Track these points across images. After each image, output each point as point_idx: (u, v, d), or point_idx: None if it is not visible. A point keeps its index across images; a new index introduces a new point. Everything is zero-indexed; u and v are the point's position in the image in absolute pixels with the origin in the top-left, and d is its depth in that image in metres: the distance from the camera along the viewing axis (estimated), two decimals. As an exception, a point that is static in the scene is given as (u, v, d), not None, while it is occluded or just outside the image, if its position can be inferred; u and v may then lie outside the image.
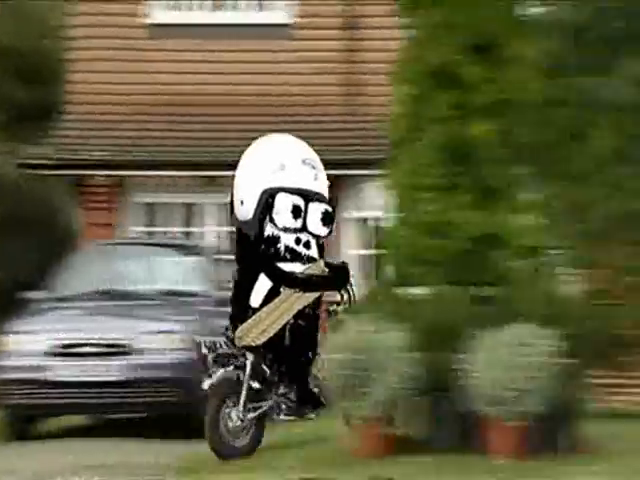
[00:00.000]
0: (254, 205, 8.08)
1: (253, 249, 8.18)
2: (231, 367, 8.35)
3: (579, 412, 7.88)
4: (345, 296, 8.63)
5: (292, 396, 8.42)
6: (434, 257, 7.67)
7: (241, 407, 8.19)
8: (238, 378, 8.26)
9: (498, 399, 7.14)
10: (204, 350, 8.55)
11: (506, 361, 7.14)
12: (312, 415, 8.58)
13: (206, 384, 8.30)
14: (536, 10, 12.79)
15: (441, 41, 7.79)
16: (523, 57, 7.98)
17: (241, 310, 8.30)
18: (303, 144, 8.47)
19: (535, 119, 11.86)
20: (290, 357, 8.32)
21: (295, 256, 8.18)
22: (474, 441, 7.29)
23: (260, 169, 8.19)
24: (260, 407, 8.29)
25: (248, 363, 8.27)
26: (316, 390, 8.46)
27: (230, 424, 8.18)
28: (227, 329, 8.38)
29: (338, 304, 8.74)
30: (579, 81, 11.67)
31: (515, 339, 7.20)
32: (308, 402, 8.46)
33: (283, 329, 8.20)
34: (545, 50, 12.00)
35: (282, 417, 8.51)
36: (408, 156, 7.91)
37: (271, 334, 8.15)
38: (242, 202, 8.15)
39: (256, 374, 8.27)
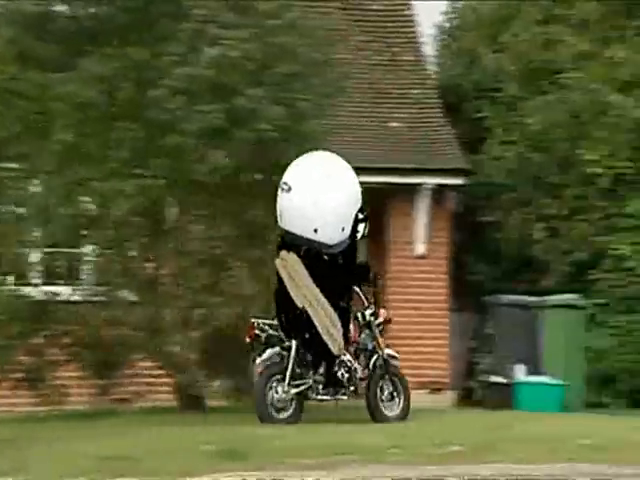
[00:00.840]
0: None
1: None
2: (277, 348, 9.88)
3: None
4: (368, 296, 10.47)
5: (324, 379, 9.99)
6: None
7: (286, 383, 9.80)
8: (283, 358, 9.83)
9: None
10: (256, 330, 9.97)
11: None
12: (344, 397, 10.19)
13: (258, 360, 9.87)
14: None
15: None
16: None
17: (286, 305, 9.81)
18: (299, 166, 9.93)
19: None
20: (317, 345, 9.79)
21: None
22: None
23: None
24: (301, 385, 9.90)
25: (293, 347, 9.85)
26: (344, 375, 10.07)
27: (275, 396, 9.77)
28: (274, 318, 9.92)
29: (365, 308, 10.48)
30: (41, 76, 11.25)
31: None
32: (332, 385, 10.04)
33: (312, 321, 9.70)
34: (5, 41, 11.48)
35: (318, 397, 10.10)
36: None
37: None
38: (343, 228, 9.73)
39: (299, 357, 9.85)
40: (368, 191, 15.92)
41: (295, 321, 9.78)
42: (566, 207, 16.60)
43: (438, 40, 20.36)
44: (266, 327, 10.04)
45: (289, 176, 9.71)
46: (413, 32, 17.52)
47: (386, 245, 15.61)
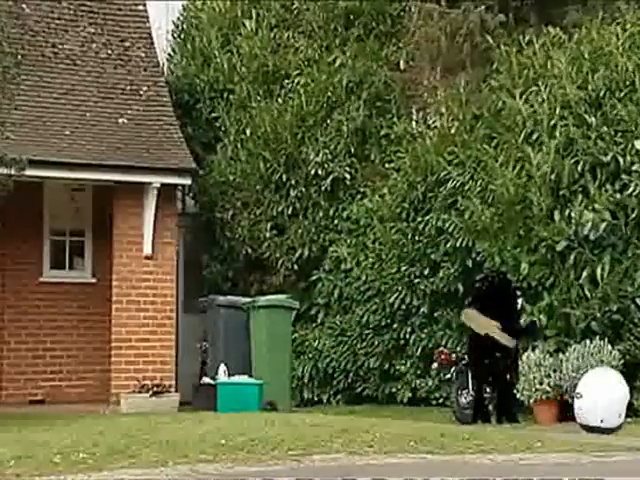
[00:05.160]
0: None
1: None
2: (459, 366, 13.45)
3: None
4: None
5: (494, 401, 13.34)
6: None
7: (471, 391, 13.22)
8: (464, 373, 13.34)
9: None
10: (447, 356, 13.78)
11: None
12: (511, 424, 12.90)
13: (448, 374, 13.50)
14: None
15: None
16: None
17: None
18: None
19: None
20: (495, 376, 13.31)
21: None
22: None
23: None
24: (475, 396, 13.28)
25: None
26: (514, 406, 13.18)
27: (462, 401, 13.23)
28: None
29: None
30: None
31: None
32: (503, 412, 13.15)
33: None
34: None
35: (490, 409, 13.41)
36: None
37: None
38: None
39: (475, 375, 13.34)
40: (95, 189, 15.63)
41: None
42: (291, 206, 16.81)
43: (174, 38, 20.13)
44: (452, 354, 13.88)
45: None
46: (145, 28, 17.21)
47: (113, 245, 15.22)
